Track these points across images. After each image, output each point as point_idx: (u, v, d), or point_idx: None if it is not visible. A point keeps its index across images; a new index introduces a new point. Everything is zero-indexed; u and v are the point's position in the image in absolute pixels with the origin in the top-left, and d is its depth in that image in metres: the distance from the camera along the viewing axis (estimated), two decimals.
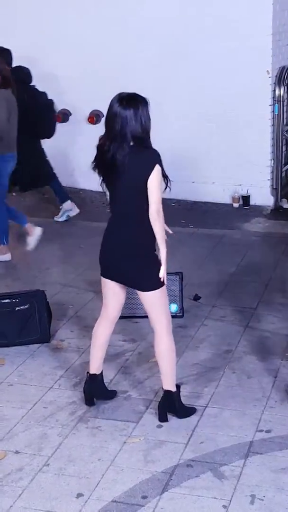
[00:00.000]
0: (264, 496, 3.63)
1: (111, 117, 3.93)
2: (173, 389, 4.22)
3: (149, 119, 3.94)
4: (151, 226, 3.98)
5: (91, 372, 4.39)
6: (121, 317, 4.54)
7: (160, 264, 4.04)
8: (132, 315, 5.42)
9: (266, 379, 4.70)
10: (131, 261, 4.06)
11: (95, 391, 4.42)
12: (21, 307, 5.18)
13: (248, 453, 3.96)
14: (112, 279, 4.20)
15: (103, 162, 3.99)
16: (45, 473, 3.83)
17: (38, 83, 8.64)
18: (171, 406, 4.24)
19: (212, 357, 4.99)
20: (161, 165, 3.93)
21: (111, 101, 3.96)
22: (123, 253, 4.07)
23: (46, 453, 3.99)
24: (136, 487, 3.70)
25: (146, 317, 5.33)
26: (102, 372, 4.42)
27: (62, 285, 6.22)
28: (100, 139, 4.03)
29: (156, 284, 4.07)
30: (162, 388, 4.24)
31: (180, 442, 4.06)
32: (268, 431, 4.15)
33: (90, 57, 8.36)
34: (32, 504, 3.60)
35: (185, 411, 4.29)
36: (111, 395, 4.49)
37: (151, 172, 3.90)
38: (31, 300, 5.21)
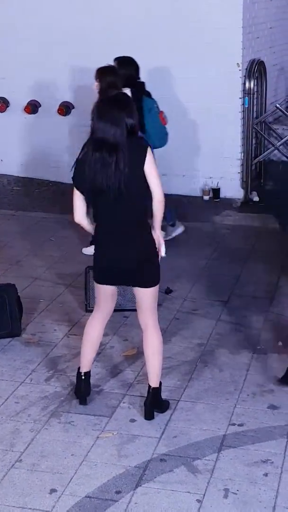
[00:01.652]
0: (237, 490, 3.64)
1: (107, 120, 3.81)
2: (158, 385, 4.21)
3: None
4: (147, 221, 3.96)
5: (85, 370, 4.30)
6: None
7: (157, 260, 4.07)
8: None
9: (238, 372, 4.71)
10: (137, 262, 4.02)
11: (89, 389, 4.35)
12: None
13: (221, 447, 3.97)
14: (113, 284, 4.18)
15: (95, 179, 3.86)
16: (18, 469, 3.79)
17: (8, 74, 8.59)
18: (156, 402, 4.21)
19: (184, 351, 4.98)
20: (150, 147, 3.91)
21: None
22: (128, 256, 3.99)
23: (19, 448, 3.96)
24: (109, 482, 3.69)
25: (117, 310, 5.35)
26: None
27: (33, 279, 6.17)
28: (83, 152, 3.93)
29: (157, 279, 4.11)
30: (149, 386, 4.18)
31: (153, 436, 4.05)
32: (240, 425, 4.16)
33: (60, 46, 8.28)
34: (4, 501, 3.57)
35: (165, 406, 4.28)
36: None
37: (145, 157, 3.84)
38: (2, 294, 5.14)
